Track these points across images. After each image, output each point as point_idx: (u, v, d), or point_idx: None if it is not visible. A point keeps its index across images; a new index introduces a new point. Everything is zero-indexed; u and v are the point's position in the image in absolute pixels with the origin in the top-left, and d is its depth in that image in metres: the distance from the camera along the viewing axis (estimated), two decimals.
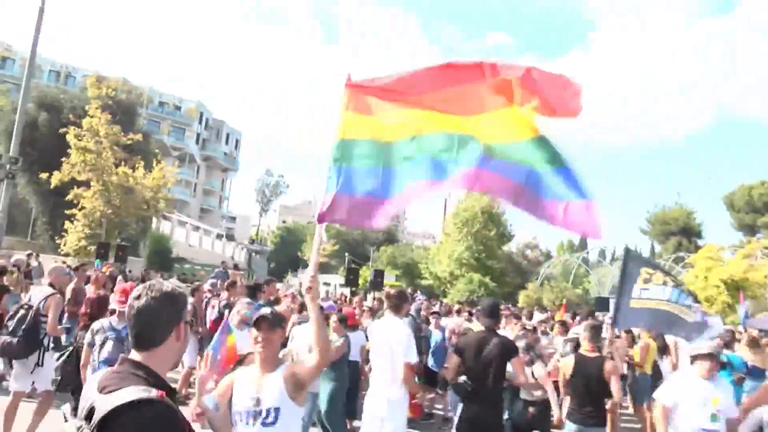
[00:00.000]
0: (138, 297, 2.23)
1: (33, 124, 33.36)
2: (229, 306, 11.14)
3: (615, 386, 6.31)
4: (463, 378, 5.92)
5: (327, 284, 48.62)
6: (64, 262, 14.62)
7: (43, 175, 27.39)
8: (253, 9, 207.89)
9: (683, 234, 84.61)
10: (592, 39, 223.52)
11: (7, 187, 17.40)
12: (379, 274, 24.24)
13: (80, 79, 58.85)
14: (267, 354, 3.58)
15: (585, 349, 6.77)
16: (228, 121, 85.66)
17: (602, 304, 46.50)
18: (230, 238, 74.44)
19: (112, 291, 12.66)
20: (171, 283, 2.36)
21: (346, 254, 68.77)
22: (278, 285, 15.58)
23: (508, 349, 6.07)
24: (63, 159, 27.25)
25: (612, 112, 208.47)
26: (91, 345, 5.95)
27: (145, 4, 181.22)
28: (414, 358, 5.76)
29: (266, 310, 3.76)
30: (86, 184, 27.61)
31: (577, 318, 16.87)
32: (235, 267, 22.07)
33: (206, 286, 13.36)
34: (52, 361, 6.99)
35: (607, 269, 65.00)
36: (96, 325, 6.05)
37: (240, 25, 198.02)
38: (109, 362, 5.51)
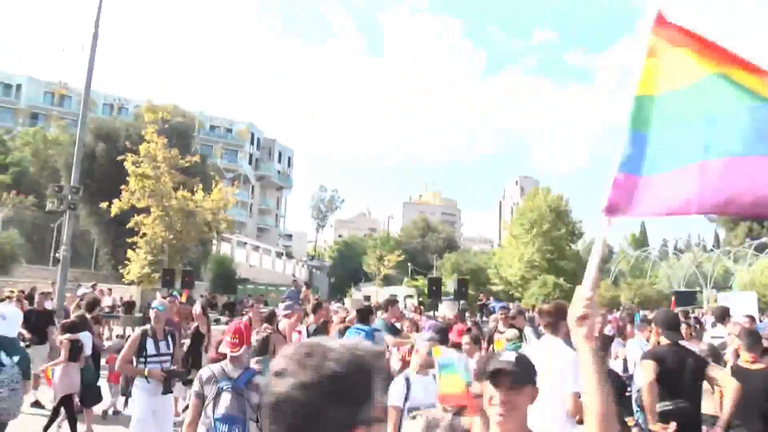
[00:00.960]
0: (281, 374, 1.11)
1: (91, 155, 33.25)
2: (321, 330, 9.92)
3: None
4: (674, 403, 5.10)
5: (394, 296, 47.16)
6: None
7: (103, 205, 26.80)
8: (296, 25, 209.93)
9: (753, 218, 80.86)
10: (640, 27, 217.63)
11: (69, 218, 16.71)
12: (463, 284, 22.56)
13: (132, 109, 59.65)
14: (510, 427, 2.30)
15: (745, 360, 5.81)
16: (279, 139, 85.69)
17: (684, 298, 44.28)
18: (289, 255, 74.04)
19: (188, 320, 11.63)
20: (346, 348, 1.16)
21: (409, 264, 67.41)
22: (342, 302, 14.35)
23: (705, 365, 5.33)
24: (122, 187, 26.67)
25: None
26: (200, 396, 4.63)
27: (188, 32, 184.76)
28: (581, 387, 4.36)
29: (509, 356, 2.39)
30: (146, 210, 27.01)
31: (705, 319, 15.00)
32: (307, 285, 20.82)
33: (280, 311, 12.19)
34: None
35: (673, 262, 62.17)
36: (205, 372, 4.69)
37: (283, 42, 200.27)
38: (227, 420, 4.47)
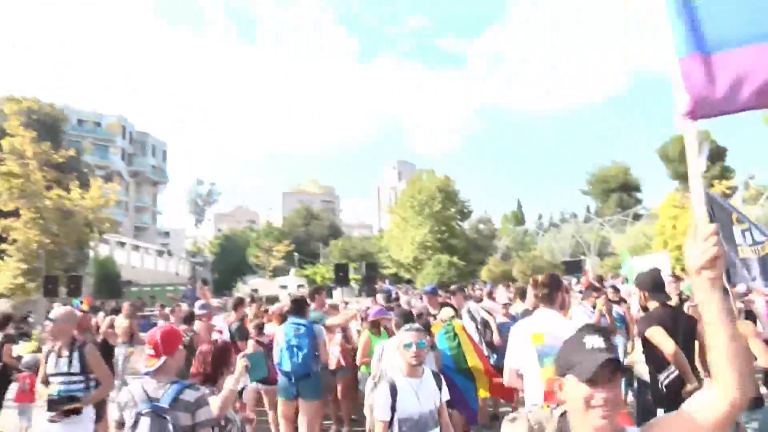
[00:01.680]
0: None
1: None
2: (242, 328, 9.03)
3: None
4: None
5: (284, 287, 46.00)
6: None
7: None
8: (166, 12, 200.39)
9: (623, 190, 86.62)
10: (510, 12, 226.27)
11: None
12: (372, 268, 22.02)
13: None
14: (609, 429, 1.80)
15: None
16: (152, 133, 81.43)
17: (572, 267, 46.29)
18: (170, 253, 70.77)
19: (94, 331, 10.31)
20: None
21: (295, 254, 66.25)
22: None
23: (695, 322, 5.12)
24: None
25: (536, 81, 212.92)
26: (121, 426, 3.62)
27: (45, 17, 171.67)
28: None
29: (598, 341, 1.83)
30: (15, 213, 24.36)
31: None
32: (204, 282, 19.39)
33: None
34: None
35: (554, 234, 65.06)
36: (123, 395, 3.65)
37: (153, 30, 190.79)
38: None
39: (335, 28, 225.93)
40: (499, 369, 8.48)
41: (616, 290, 11.54)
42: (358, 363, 7.76)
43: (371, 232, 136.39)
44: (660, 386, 4.89)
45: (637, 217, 55.44)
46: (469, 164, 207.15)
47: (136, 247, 54.52)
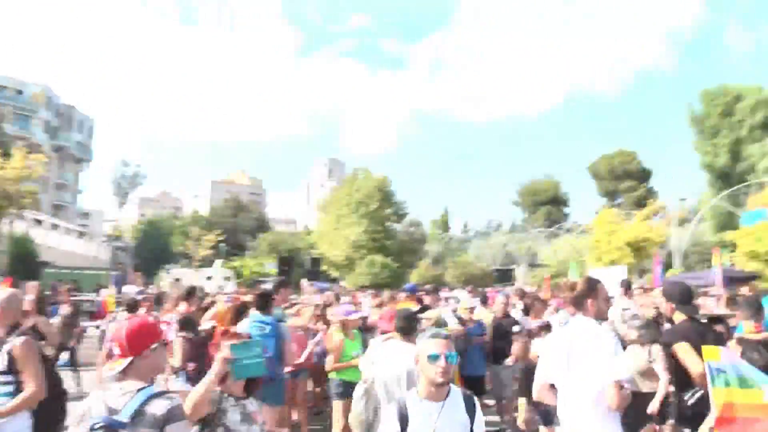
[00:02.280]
0: None
1: None
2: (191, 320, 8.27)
3: None
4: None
5: (209, 278, 44.47)
6: None
7: None
8: None
9: (552, 203, 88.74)
10: (454, 21, 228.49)
11: None
12: (316, 263, 21.28)
13: None
14: None
15: (749, 330, 5.48)
16: (78, 107, 77.49)
17: (503, 276, 46.94)
18: (91, 235, 67.66)
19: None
20: None
21: (222, 245, 64.48)
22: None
23: (723, 336, 5.12)
24: None
25: (475, 90, 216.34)
26: None
27: None
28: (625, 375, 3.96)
29: None
30: None
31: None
32: (136, 269, 18.01)
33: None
34: None
35: (482, 243, 65.94)
36: (81, 406, 2.90)
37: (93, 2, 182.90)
38: None
39: (278, 19, 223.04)
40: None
41: None
42: (329, 368, 7.11)
43: (296, 227, 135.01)
44: (684, 405, 4.52)
45: (565, 230, 56.69)
46: (401, 167, 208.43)
47: (55, 226, 51.70)
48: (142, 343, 2.93)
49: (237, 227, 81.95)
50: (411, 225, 63.97)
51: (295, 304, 10.52)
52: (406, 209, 50.45)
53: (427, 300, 9.39)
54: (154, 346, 2.97)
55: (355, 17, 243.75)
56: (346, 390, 6.57)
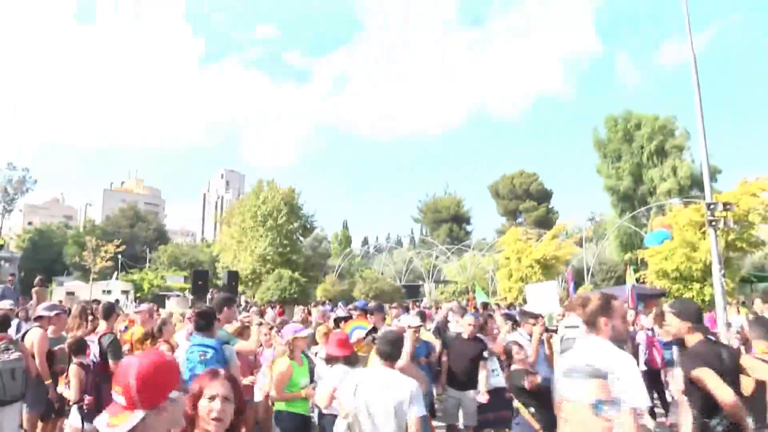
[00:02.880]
0: None
1: None
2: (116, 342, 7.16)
3: None
4: None
5: (107, 292, 41.80)
6: None
7: None
8: None
9: (454, 221, 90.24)
10: (359, 39, 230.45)
11: None
12: (233, 277, 19.94)
13: None
14: None
15: (761, 350, 5.04)
16: None
17: (412, 291, 46.73)
18: None
19: None
20: None
21: (120, 257, 61.04)
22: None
23: (738, 354, 4.74)
24: None
25: (378, 108, 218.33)
26: None
27: None
28: None
29: None
30: None
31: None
32: (41, 283, 15.57)
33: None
34: None
35: (386, 258, 65.82)
36: None
37: None
38: None
39: (181, 22, 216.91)
40: None
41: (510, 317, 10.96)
42: (275, 397, 6.19)
43: (194, 240, 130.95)
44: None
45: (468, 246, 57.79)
46: (301, 181, 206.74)
47: None
48: (159, 390, 2.03)
49: (134, 238, 78.11)
50: (316, 240, 63.08)
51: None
52: (314, 222, 49.42)
53: (372, 320, 8.63)
54: (174, 394, 2.09)
55: (260, 28, 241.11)
56: (296, 425, 5.74)
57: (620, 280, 39.60)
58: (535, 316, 9.55)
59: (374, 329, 7.55)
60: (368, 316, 8.68)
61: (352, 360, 5.98)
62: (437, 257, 60.16)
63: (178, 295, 39.10)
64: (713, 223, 19.18)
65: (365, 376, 4.45)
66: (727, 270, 23.89)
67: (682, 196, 38.32)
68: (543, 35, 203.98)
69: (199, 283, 19.37)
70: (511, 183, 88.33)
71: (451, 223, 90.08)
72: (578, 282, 35.56)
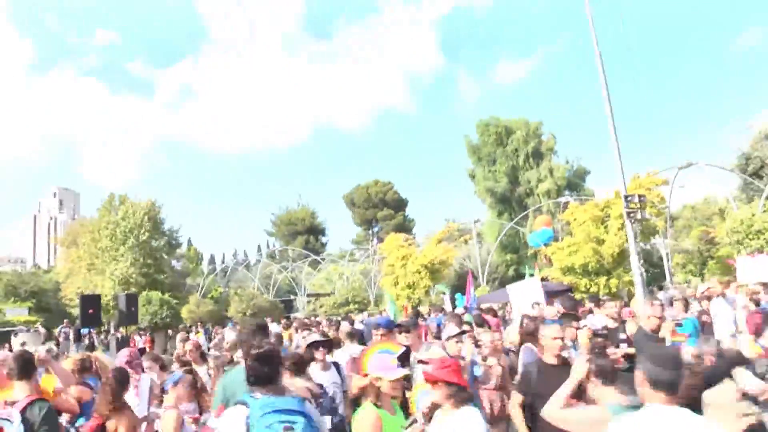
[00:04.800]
0: None
1: None
2: None
3: None
4: None
5: None
6: None
7: None
8: None
9: (309, 232, 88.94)
10: (204, 49, 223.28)
11: None
12: (90, 301, 16.80)
13: None
14: None
15: None
16: None
17: (288, 306, 44.77)
18: None
19: None
20: None
21: None
22: None
23: None
24: None
25: (223, 121, 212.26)
26: None
27: None
28: None
29: None
30: None
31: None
32: None
33: None
34: None
35: (247, 273, 63.07)
36: None
37: None
38: None
39: (7, 25, 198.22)
40: None
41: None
42: None
43: (25, 266, 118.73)
44: None
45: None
46: (147, 194, 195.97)
47: None
48: None
49: None
50: (175, 258, 58.95)
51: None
52: (179, 238, 45.54)
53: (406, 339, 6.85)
54: None
55: (100, 33, 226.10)
56: None
57: (503, 281, 40.30)
58: (577, 319, 8.35)
59: (406, 354, 5.72)
60: (397, 334, 6.94)
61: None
62: (292, 270, 58.60)
63: (27, 330, 34.21)
64: (630, 215, 19.42)
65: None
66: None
67: (559, 195, 39.76)
68: (387, 50, 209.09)
69: (89, 311, 16.10)
70: (366, 192, 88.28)
71: (306, 235, 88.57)
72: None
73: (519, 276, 39.83)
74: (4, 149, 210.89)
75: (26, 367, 4.66)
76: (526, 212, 39.94)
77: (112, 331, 34.24)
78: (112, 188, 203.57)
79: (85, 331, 34.25)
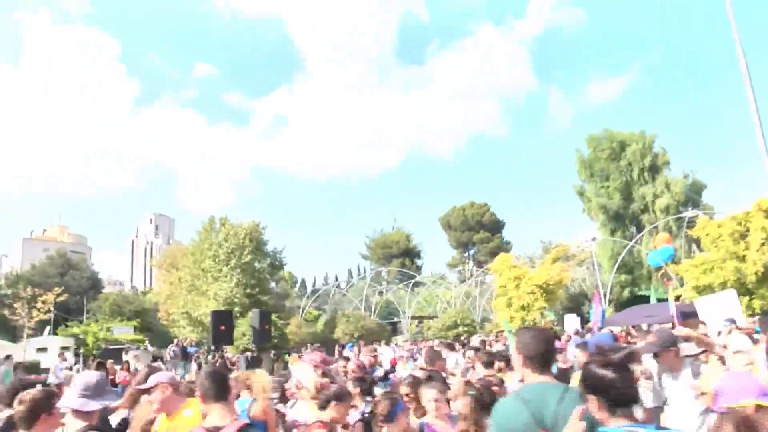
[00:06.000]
0: None
1: None
2: None
3: None
4: None
5: (42, 350, 36.69)
6: None
7: None
8: None
9: (404, 255, 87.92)
10: (299, 78, 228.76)
11: None
12: (222, 317, 16.23)
13: None
14: None
15: None
16: None
17: (394, 329, 43.90)
18: None
19: None
20: None
21: (52, 310, 55.19)
22: None
23: None
24: None
25: (316, 148, 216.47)
26: None
27: None
28: None
29: None
30: None
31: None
32: None
33: None
34: None
35: (341, 297, 62.66)
36: None
37: None
38: None
39: (116, 66, 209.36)
40: None
41: None
42: None
43: (123, 288, 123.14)
44: None
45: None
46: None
47: None
48: None
49: (67, 288, 71.60)
50: (281, 279, 59.38)
51: None
52: (284, 260, 45.36)
53: None
54: None
55: (199, 66, 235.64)
56: None
57: (619, 303, 38.11)
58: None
59: None
60: None
61: None
62: (385, 292, 57.96)
63: (137, 348, 34.71)
64: None
65: None
66: None
67: (677, 211, 37.38)
68: (480, 74, 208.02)
69: (221, 328, 15.46)
70: (462, 214, 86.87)
71: (402, 258, 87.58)
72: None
73: (635, 297, 37.59)
74: (109, 178, 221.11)
75: (224, 386, 3.85)
76: (644, 230, 37.72)
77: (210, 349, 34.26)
78: (207, 214, 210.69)
79: (191, 349, 34.45)
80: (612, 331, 14.56)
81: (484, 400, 4.17)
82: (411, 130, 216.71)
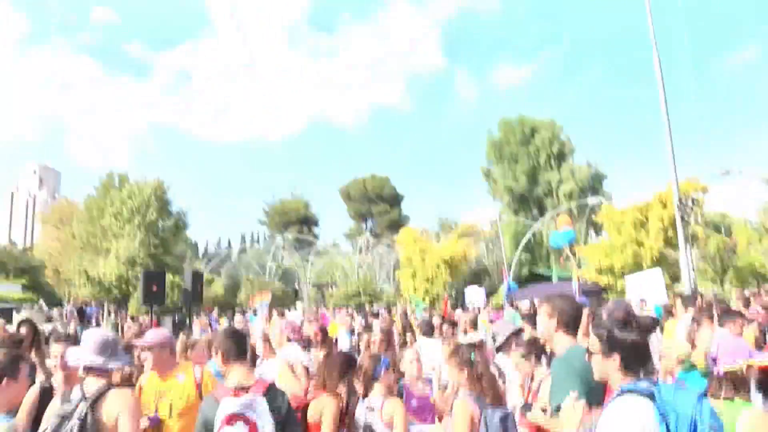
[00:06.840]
0: None
1: None
2: None
3: None
4: None
5: None
6: None
7: None
8: None
9: (302, 223, 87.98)
10: (205, 35, 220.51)
11: None
12: (154, 277, 15.98)
13: None
14: None
15: None
16: None
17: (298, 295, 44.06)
18: None
19: None
20: None
21: None
22: None
23: None
24: None
25: (218, 110, 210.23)
26: None
27: None
28: None
29: None
30: None
31: None
32: None
33: None
34: None
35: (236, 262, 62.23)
36: None
37: None
38: None
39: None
40: None
41: None
42: None
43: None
44: None
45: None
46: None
47: None
48: None
49: None
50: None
51: None
52: (187, 220, 44.20)
53: None
54: None
55: (97, 10, 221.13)
56: None
57: (519, 279, 39.98)
58: (741, 315, 7.77)
59: None
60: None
61: None
62: (286, 258, 57.98)
63: (31, 307, 32.88)
64: (684, 218, 19.04)
65: None
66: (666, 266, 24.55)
67: (579, 198, 39.66)
68: (390, 48, 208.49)
69: (153, 288, 15.14)
70: (363, 186, 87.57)
71: (299, 226, 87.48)
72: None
73: (534, 275, 39.62)
74: None
75: (244, 345, 3.87)
76: (548, 212, 39.77)
77: (111, 311, 33.29)
78: (97, 170, 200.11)
79: (91, 310, 33.32)
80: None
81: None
82: (316, 98, 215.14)
